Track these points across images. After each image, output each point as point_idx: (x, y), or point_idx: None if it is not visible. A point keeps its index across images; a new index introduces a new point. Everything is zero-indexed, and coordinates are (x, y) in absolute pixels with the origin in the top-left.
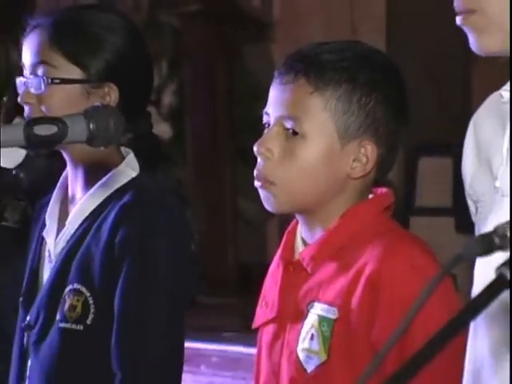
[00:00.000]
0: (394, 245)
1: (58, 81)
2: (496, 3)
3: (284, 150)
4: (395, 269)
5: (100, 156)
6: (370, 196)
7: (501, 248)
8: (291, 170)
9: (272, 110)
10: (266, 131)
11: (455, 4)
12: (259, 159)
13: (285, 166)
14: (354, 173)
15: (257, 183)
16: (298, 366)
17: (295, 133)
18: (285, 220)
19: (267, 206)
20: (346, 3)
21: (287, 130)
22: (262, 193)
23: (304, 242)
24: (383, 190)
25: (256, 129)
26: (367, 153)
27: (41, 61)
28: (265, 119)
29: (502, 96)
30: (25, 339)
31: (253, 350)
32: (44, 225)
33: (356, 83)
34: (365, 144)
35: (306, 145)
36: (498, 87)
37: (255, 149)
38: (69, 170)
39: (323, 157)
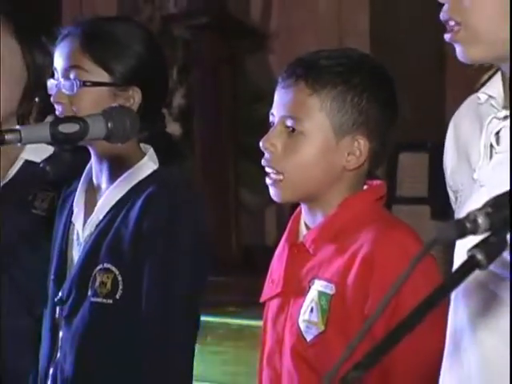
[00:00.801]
0: (386, 230)
1: (89, 83)
2: (480, 16)
3: (286, 145)
4: (387, 251)
5: (121, 151)
6: (365, 187)
7: (472, 232)
8: (293, 163)
9: (276, 111)
10: (271, 129)
11: (441, 15)
12: (265, 153)
13: (287, 160)
14: (348, 165)
15: (268, 176)
16: (299, 335)
17: (296, 130)
18: (281, 209)
19: (274, 197)
20: (335, 19)
21: (289, 128)
22: (270, 186)
23: (307, 227)
24: (377, 182)
25: (256, 128)
26: (360, 147)
27: (73, 65)
28: (271, 119)
29: (479, 98)
30: (57, 313)
31: (253, 323)
32: (71, 212)
33: (349, 85)
34: (358, 139)
35: (305, 141)
36: (467, 93)
37: (261, 144)
38: (94, 162)
39: (321, 151)
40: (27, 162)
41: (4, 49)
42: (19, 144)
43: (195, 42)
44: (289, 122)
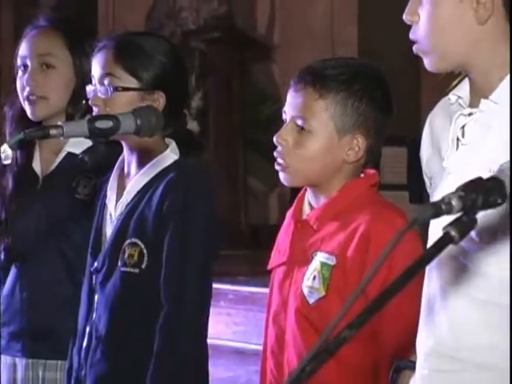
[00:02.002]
0: (381, 212)
1: (120, 89)
2: (424, 33)
3: (296, 141)
4: (381, 229)
5: (148, 144)
6: (362, 175)
7: (447, 212)
8: (301, 156)
9: (287, 110)
10: (283, 126)
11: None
12: (278, 146)
13: (296, 154)
14: (348, 159)
15: (278, 164)
16: (303, 299)
17: (304, 129)
18: (282, 194)
19: (283, 181)
20: (328, 33)
21: (299, 126)
22: (279, 171)
23: (311, 207)
24: (371, 171)
25: (261, 125)
26: (358, 144)
27: (107, 73)
28: (284, 116)
29: (450, 99)
30: (93, 280)
31: (259, 290)
32: (105, 195)
33: (350, 91)
34: (357, 137)
35: (312, 138)
36: (438, 97)
37: (275, 139)
38: (125, 154)
39: (325, 147)
40: (69, 154)
41: (58, 58)
42: (61, 138)
43: (210, 53)
44: (299, 121)
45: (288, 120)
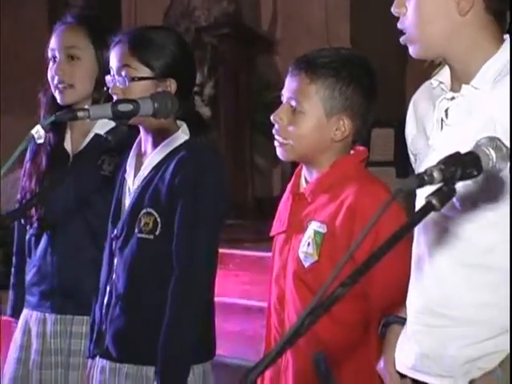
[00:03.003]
0: (367, 185)
1: (136, 78)
2: (413, 24)
3: (289, 120)
4: (366, 201)
5: (163, 125)
6: (352, 152)
7: (429, 183)
8: (294, 133)
9: (285, 93)
10: (280, 107)
11: (398, 24)
12: (275, 124)
13: (290, 131)
14: (335, 137)
15: (276, 140)
16: (299, 263)
17: (297, 109)
18: (284, 170)
19: (280, 156)
20: (324, 29)
21: (293, 107)
22: (277, 147)
23: (306, 181)
24: (361, 148)
25: (265, 109)
26: (344, 125)
27: (124, 64)
28: (282, 98)
29: (431, 83)
30: (113, 246)
31: (263, 254)
32: (125, 171)
33: (338, 77)
34: (343, 118)
35: (304, 118)
36: (423, 79)
37: (272, 117)
38: (142, 135)
39: (314, 126)
40: (96, 135)
41: (82, 50)
42: (88, 120)
43: (220, 47)
44: (293, 103)
45: (284, 101)
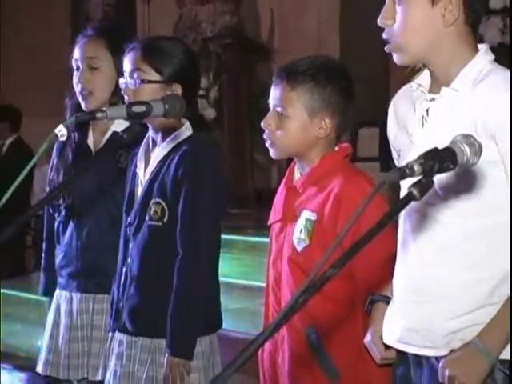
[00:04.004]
0: (351, 177)
1: (146, 81)
2: (400, 34)
3: (277, 124)
4: (351, 191)
5: (170, 124)
6: (337, 148)
7: (410, 175)
8: (282, 135)
9: (271, 101)
10: (268, 113)
11: (383, 35)
12: (265, 129)
13: (278, 134)
14: (319, 135)
15: (267, 142)
16: (293, 247)
17: (283, 115)
18: (281, 165)
19: (272, 155)
20: (316, 39)
21: (279, 112)
22: (270, 148)
23: (300, 175)
24: (345, 144)
25: (263, 112)
26: (326, 123)
27: (136, 68)
28: (269, 106)
29: (411, 86)
30: (127, 232)
31: (262, 239)
32: (136, 165)
33: (316, 82)
34: (324, 118)
35: (289, 121)
36: (405, 84)
37: (262, 123)
38: (151, 132)
39: (300, 128)
40: (114, 133)
41: (102, 60)
42: (105, 120)
43: (224, 56)
44: (278, 109)
45: (271, 108)
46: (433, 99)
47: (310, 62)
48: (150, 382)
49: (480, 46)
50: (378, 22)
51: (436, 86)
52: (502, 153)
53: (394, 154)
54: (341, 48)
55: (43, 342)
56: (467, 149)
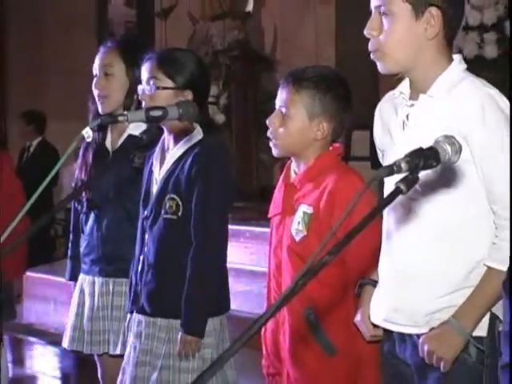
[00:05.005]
0: (344, 174)
1: (160, 88)
2: (386, 46)
3: (280, 123)
4: (344, 187)
5: (183, 127)
6: (331, 148)
7: (397, 172)
8: (284, 134)
9: (277, 102)
10: (273, 113)
11: (369, 46)
12: (269, 128)
13: (281, 132)
14: (316, 137)
15: (270, 142)
16: (292, 238)
17: (286, 115)
18: (283, 164)
19: (274, 153)
20: (314, 51)
21: (282, 113)
22: (272, 146)
23: (295, 173)
24: (337, 145)
25: (267, 116)
26: (324, 127)
27: (152, 76)
28: (276, 106)
29: (394, 93)
30: (144, 224)
31: (266, 230)
32: (152, 164)
33: (318, 89)
34: (323, 121)
35: (290, 122)
36: (392, 89)
37: (267, 121)
38: (166, 134)
39: (300, 128)
40: (130, 136)
41: (115, 68)
42: (126, 123)
43: (232, 66)
44: (283, 110)
45: (276, 109)
46: (412, 105)
47: (314, 70)
48: (167, 357)
49: (454, 56)
50: (365, 32)
51: (415, 93)
52: (474, 154)
53: (379, 154)
54: (336, 59)
55: (69, 320)
56: (449, 148)
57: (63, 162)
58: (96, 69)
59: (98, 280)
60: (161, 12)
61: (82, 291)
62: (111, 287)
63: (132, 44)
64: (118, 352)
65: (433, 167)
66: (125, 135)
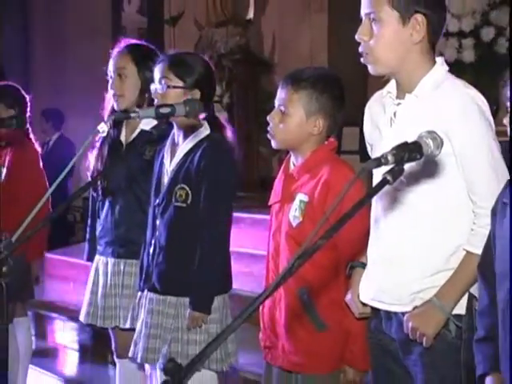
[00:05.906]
0: (337, 166)
1: (171, 87)
2: (375, 49)
3: (280, 119)
4: (336, 177)
5: (191, 123)
6: (326, 142)
7: (384, 164)
8: (282, 130)
9: (277, 100)
10: (273, 111)
11: (359, 49)
12: (270, 123)
13: (280, 128)
14: (313, 132)
15: (269, 135)
16: (290, 224)
17: (285, 112)
18: (281, 158)
19: (273, 146)
20: (308, 56)
21: (282, 110)
22: (271, 140)
23: (293, 164)
24: (332, 139)
25: (267, 114)
26: (320, 124)
27: (163, 76)
28: (275, 104)
29: (382, 93)
30: (156, 212)
31: (266, 217)
32: (163, 156)
33: (315, 88)
34: (319, 119)
35: (289, 119)
36: (380, 88)
37: (268, 117)
38: (175, 130)
39: (297, 125)
40: (142, 131)
41: (128, 70)
42: (138, 119)
43: (234, 69)
44: (282, 108)
45: (276, 107)
46: (399, 104)
47: (312, 71)
48: (176, 331)
49: (437, 59)
50: (356, 37)
51: (401, 92)
52: (454, 148)
53: (368, 148)
54: (328, 63)
55: (85, 297)
56: (431, 142)
57: (80, 155)
58: (111, 71)
59: (111, 260)
60: (170, 19)
61: (96, 271)
62: (122, 267)
63: (142, 49)
64: (127, 326)
65: (417, 160)
66: (137, 130)
